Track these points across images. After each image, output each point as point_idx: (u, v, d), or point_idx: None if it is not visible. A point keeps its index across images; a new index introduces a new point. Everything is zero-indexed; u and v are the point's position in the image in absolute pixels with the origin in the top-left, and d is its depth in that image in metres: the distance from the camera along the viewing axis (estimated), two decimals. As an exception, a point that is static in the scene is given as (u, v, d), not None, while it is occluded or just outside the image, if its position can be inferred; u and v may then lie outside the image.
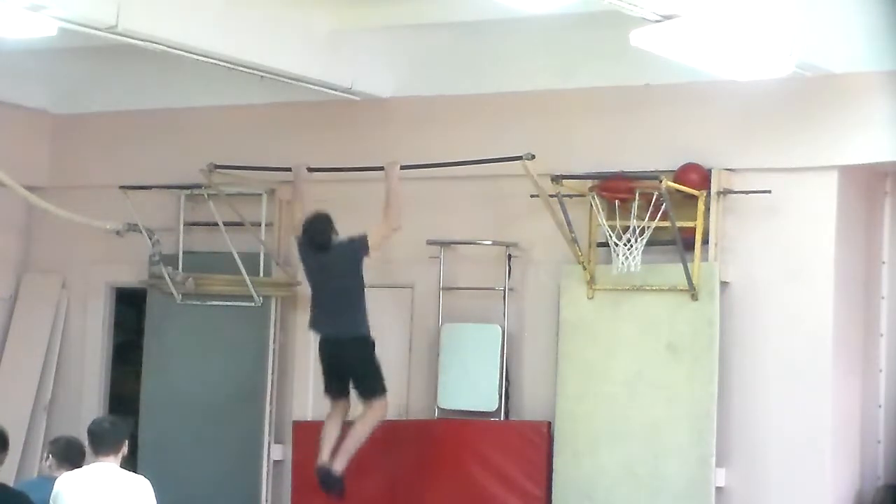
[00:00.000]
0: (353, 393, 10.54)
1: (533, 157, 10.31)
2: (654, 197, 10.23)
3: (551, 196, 10.54)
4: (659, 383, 10.52)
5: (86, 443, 8.59)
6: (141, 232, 12.15)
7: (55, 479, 8.46)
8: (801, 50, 9.52)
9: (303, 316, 11.86)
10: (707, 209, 10.46)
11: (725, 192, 10.53)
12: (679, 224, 10.30)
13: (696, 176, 10.47)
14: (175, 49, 9.96)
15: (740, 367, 10.48)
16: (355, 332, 10.43)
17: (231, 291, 12.05)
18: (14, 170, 11.58)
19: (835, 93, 10.18)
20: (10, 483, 9.45)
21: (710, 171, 10.51)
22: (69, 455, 8.74)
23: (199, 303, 12.19)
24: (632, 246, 10.32)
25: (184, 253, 12.31)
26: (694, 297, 10.42)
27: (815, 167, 10.34)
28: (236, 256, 11.86)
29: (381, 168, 10.77)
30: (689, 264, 10.35)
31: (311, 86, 11.11)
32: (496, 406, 11.14)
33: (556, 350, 10.93)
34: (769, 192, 10.37)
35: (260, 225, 12.00)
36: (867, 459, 10.67)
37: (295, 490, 11.63)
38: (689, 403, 10.40)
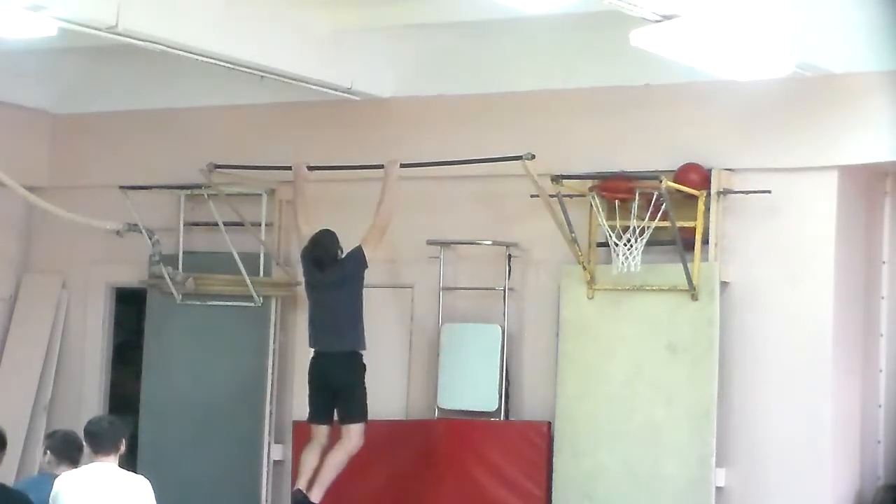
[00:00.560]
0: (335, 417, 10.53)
1: (533, 157, 10.31)
2: (654, 197, 10.23)
3: (551, 196, 10.54)
4: (659, 383, 10.52)
5: (83, 438, 8.59)
6: (141, 232, 12.15)
7: (55, 476, 8.46)
8: (801, 50, 9.52)
9: (303, 316, 11.85)
10: (707, 209, 10.45)
11: (725, 192, 10.53)
12: (679, 224, 10.30)
13: (696, 176, 10.48)
14: (175, 49, 9.96)
15: (740, 367, 10.48)
16: (350, 347, 10.45)
17: (231, 291, 12.05)
18: (14, 170, 11.60)
19: (835, 93, 10.17)
20: (10, 482, 9.44)
21: (710, 171, 10.51)
22: (67, 449, 8.73)
23: (199, 303, 12.19)
24: (632, 246, 10.32)
25: (184, 253, 12.30)
26: (694, 297, 10.42)
27: (815, 167, 10.34)
28: (236, 256, 11.86)
29: (381, 167, 10.77)
30: (689, 264, 10.35)
31: (310, 86, 11.11)
32: (496, 406, 11.14)
33: (556, 350, 10.93)
34: (769, 192, 10.37)
35: (260, 225, 11.99)
36: (867, 459, 10.67)
37: (295, 490, 11.63)
38: (689, 403, 10.40)
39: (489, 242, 11.28)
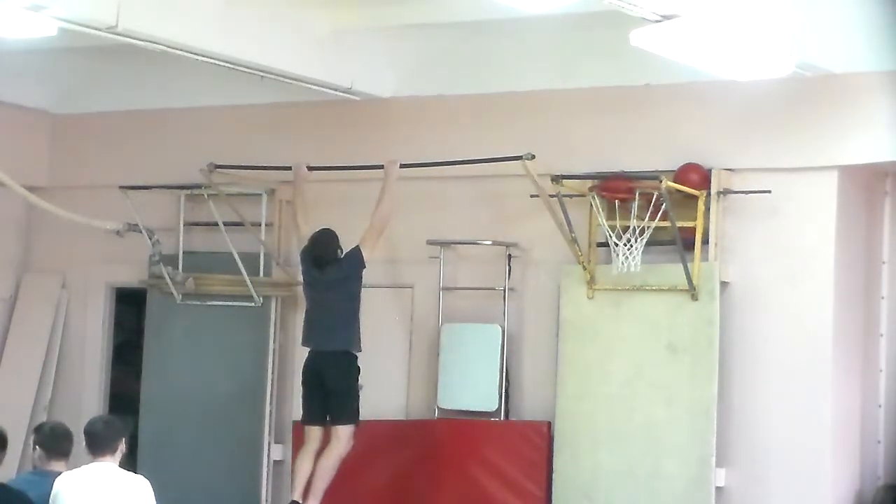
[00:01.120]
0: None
1: (533, 157, 10.31)
2: (654, 197, 10.23)
3: (551, 196, 10.54)
4: (659, 383, 10.52)
5: (75, 436, 8.58)
6: (141, 232, 12.16)
7: (49, 472, 8.45)
8: (801, 50, 9.52)
9: (303, 316, 11.87)
10: (707, 209, 10.45)
11: (725, 192, 10.53)
12: (679, 224, 10.30)
13: (696, 176, 10.47)
14: (175, 49, 9.96)
15: (740, 367, 10.48)
16: (343, 347, 10.44)
17: (231, 291, 12.05)
18: (14, 170, 11.59)
19: (835, 93, 10.17)
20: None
21: (710, 171, 10.51)
22: (56, 442, 8.68)
23: (199, 303, 12.20)
24: (632, 246, 10.32)
25: (184, 253, 12.31)
26: (694, 297, 10.42)
27: (815, 167, 10.34)
28: (236, 256, 11.86)
29: (382, 167, 10.77)
30: (689, 264, 10.34)
31: (311, 86, 11.11)
32: (496, 406, 11.14)
33: (556, 350, 10.93)
34: (769, 192, 10.37)
35: (260, 225, 12.00)
36: (867, 459, 10.67)
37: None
38: (689, 403, 10.40)
39: (489, 242, 11.28)
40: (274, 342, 11.98)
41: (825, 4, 9.43)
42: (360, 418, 10.61)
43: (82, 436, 8.43)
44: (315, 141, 11.91)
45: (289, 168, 11.26)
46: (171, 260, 12.23)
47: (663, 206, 10.15)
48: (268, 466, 11.93)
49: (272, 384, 11.95)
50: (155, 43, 9.78)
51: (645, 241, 10.30)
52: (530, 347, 11.22)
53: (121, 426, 8.54)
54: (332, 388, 10.43)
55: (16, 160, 12.27)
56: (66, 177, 13.08)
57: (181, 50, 10.00)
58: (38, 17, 8.95)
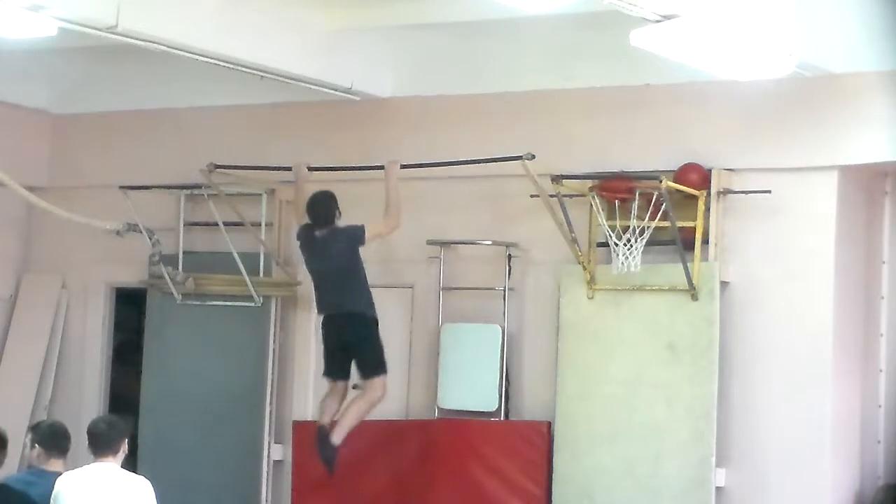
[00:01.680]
0: (353, 372, 10.54)
1: (533, 157, 10.31)
2: (654, 197, 10.23)
3: (551, 196, 10.54)
4: (659, 383, 10.52)
5: (76, 435, 8.57)
6: (141, 232, 12.17)
7: (47, 471, 8.45)
8: (801, 50, 9.51)
9: (303, 316, 11.89)
10: (707, 209, 10.46)
11: (725, 192, 10.53)
12: (679, 224, 10.30)
13: (696, 176, 10.48)
14: (175, 49, 9.96)
15: (740, 367, 10.48)
16: (357, 309, 10.42)
17: (231, 291, 12.05)
18: (14, 170, 11.59)
19: (835, 93, 10.18)
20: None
21: (710, 171, 10.51)
22: (54, 440, 8.68)
23: (199, 303, 12.20)
24: (632, 246, 10.32)
25: (184, 253, 12.31)
26: (694, 297, 10.42)
27: (815, 167, 10.35)
28: (236, 256, 11.86)
29: (382, 167, 10.77)
30: (689, 264, 10.35)
31: (310, 86, 11.12)
32: (496, 406, 11.14)
33: (556, 350, 10.93)
34: (769, 192, 10.37)
35: (260, 225, 12.00)
36: (867, 459, 10.67)
37: (295, 490, 11.62)
38: (689, 403, 10.40)
39: (489, 242, 11.28)
40: (274, 342, 11.98)
41: (825, 4, 9.43)
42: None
43: (84, 435, 8.43)
44: (315, 141, 11.91)
45: (289, 168, 11.26)
46: (171, 260, 12.23)
47: (663, 206, 10.15)
48: (268, 466, 11.93)
49: (272, 384, 11.95)
50: (155, 43, 9.78)
51: (645, 241, 10.30)
52: (530, 347, 11.22)
53: (124, 427, 8.54)
54: (355, 348, 10.44)
55: (16, 160, 12.27)
56: (66, 177, 13.07)
57: (181, 50, 10.00)
58: (38, 17, 8.95)
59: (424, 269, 11.49)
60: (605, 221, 10.44)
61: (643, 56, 9.39)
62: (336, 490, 11.04)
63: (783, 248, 10.44)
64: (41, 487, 8.33)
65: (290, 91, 11.25)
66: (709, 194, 10.47)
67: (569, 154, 10.89)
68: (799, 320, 10.35)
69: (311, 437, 10.51)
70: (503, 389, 11.14)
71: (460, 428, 11.20)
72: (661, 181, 10.10)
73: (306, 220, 10.59)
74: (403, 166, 10.75)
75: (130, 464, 9.11)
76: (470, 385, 11.24)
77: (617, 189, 10.45)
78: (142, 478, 8.43)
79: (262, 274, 12.04)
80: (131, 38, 9.60)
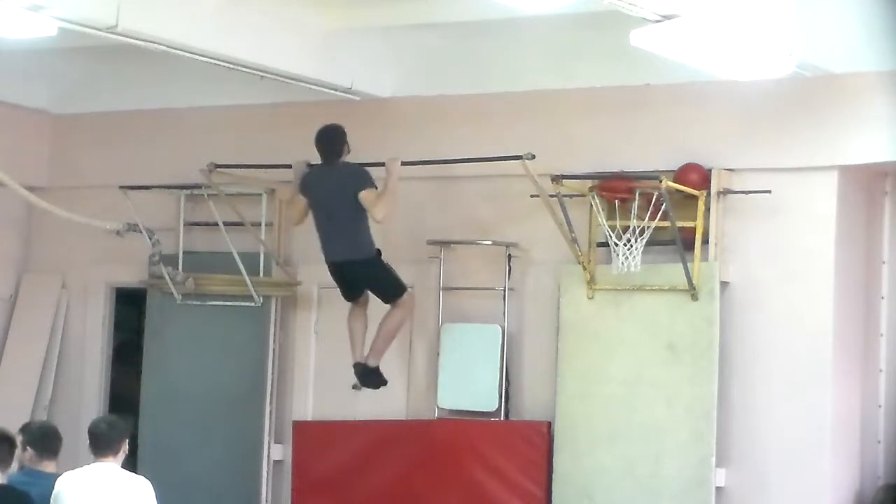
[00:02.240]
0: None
1: (533, 157, 10.31)
2: (654, 197, 10.23)
3: (551, 196, 10.54)
4: (659, 383, 10.52)
5: (76, 435, 8.57)
6: (141, 232, 12.16)
7: (41, 472, 8.45)
8: (801, 50, 9.52)
9: (303, 316, 11.90)
10: (707, 209, 10.45)
11: (725, 192, 10.53)
12: (679, 224, 10.30)
13: (696, 176, 10.48)
14: (175, 49, 9.96)
15: (740, 367, 10.48)
16: (360, 254, 10.58)
17: (231, 291, 12.05)
18: (14, 170, 11.59)
19: (835, 93, 10.17)
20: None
21: (710, 171, 10.51)
22: (46, 442, 8.68)
23: (199, 303, 12.20)
24: (632, 246, 10.31)
25: (184, 253, 12.31)
26: (694, 297, 10.42)
27: (815, 167, 10.35)
28: (236, 256, 11.86)
29: (383, 164, 10.77)
30: (689, 264, 10.34)
31: (310, 86, 11.12)
32: (496, 406, 11.14)
33: (556, 350, 10.93)
34: (769, 192, 10.37)
35: (260, 225, 12.00)
36: (867, 459, 10.67)
37: (295, 490, 11.62)
38: (689, 403, 10.40)
39: (489, 242, 11.28)
40: (274, 342, 11.98)
41: (825, 4, 9.43)
42: (361, 418, 10.62)
43: (84, 435, 8.43)
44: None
45: (289, 166, 11.26)
46: (171, 260, 12.23)
47: (663, 206, 10.15)
48: (268, 466, 11.92)
49: (272, 384, 11.94)
50: (155, 43, 9.78)
51: (645, 241, 10.30)
52: (530, 347, 11.22)
53: (124, 427, 8.55)
54: (366, 285, 10.68)
55: (16, 160, 12.27)
56: (66, 177, 13.07)
57: (181, 50, 10.00)
58: (38, 17, 8.95)
59: (424, 269, 11.48)
60: (605, 221, 10.44)
61: (643, 56, 9.39)
62: (336, 490, 11.03)
63: (783, 248, 10.44)
64: (39, 488, 8.33)
65: (290, 91, 11.25)
66: (709, 194, 10.47)
67: (569, 154, 10.89)
68: (799, 320, 10.35)
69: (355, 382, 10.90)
70: (503, 389, 11.14)
71: (460, 428, 11.20)
72: (661, 181, 10.09)
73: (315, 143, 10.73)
74: (404, 163, 10.74)
75: (130, 464, 9.11)
76: (470, 385, 11.24)
77: (617, 189, 10.45)
78: (142, 478, 8.44)
79: (262, 274, 12.04)
80: (131, 38, 9.60)
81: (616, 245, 10.37)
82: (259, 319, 12.01)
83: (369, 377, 10.72)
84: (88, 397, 12.94)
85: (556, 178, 10.46)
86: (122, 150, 12.86)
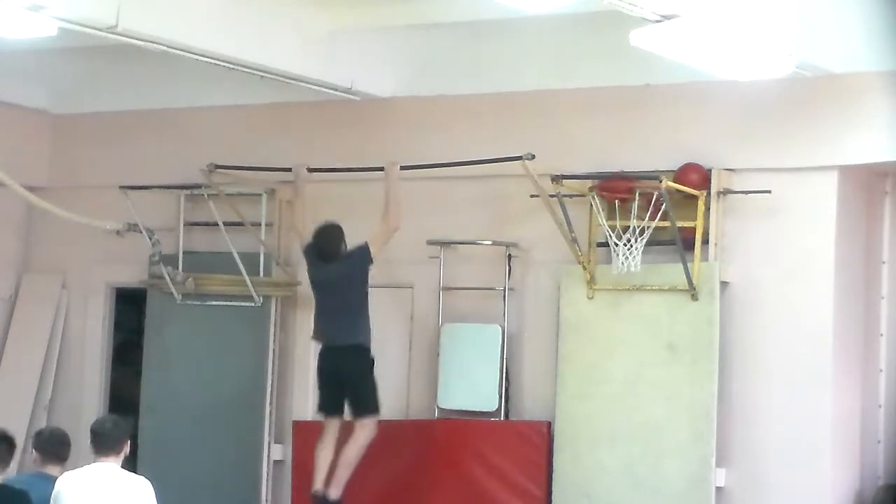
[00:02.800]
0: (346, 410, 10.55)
1: (533, 157, 10.31)
2: (654, 197, 10.23)
3: (551, 196, 10.54)
4: (659, 383, 10.52)
5: (76, 435, 8.57)
6: (141, 232, 12.16)
7: (47, 474, 8.45)
8: (801, 50, 9.52)
9: (303, 316, 11.88)
10: (707, 209, 10.46)
11: (725, 192, 10.53)
12: (679, 224, 10.30)
13: (696, 176, 10.48)
14: (175, 49, 9.96)
15: (740, 367, 10.48)
16: (356, 341, 10.46)
17: (231, 291, 12.05)
18: (14, 170, 11.59)
19: (835, 93, 10.18)
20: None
21: (710, 171, 10.51)
22: (52, 447, 8.69)
23: (199, 303, 12.20)
24: (632, 246, 10.32)
25: (184, 253, 12.31)
26: (694, 297, 10.42)
27: (815, 167, 10.35)
28: (236, 256, 11.86)
29: (382, 168, 10.78)
30: (689, 264, 10.34)
31: (310, 86, 11.12)
32: (496, 406, 11.14)
33: (556, 350, 10.93)
34: (769, 192, 10.37)
35: (260, 225, 12.00)
36: (867, 459, 10.67)
37: (295, 490, 11.62)
38: (689, 403, 10.40)
39: (489, 242, 11.28)
40: (274, 342, 11.98)
41: (825, 4, 9.43)
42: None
43: (84, 435, 8.43)
44: (315, 141, 11.91)
45: (289, 168, 11.26)
46: (171, 260, 12.23)
47: (663, 206, 10.15)
48: (268, 466, 11.93)
49: (272, 384, 11.95)
50: (155, 43, 9.78)
51: (645, 241, 10.30)
52: (530, 347, 11.22)
53: (127, 427, 8.55)
54: (349, 382, 10.47)
55: (16, 160, 12.27)
56: (66, 177, 13.07)
57: (181, 50, 10.01)
58: (38, 17, 8.95)
59: (424, 269, 11.48)
60: (605, 221, 10.44)
61: (643, 56, 9.39)
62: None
63: (783, 248, 10.44)
64: (39, 491, 8.32)
65: (290, 91, 11.25)
66: (709, 194, 10.47)
67: (569, 154, 10.89)
68: (799, 320, 10.35)
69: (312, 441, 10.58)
70: (503, 389, 11.14)
71: (460, 428, 11.20)
72: (661, 181, 10.10)
73: (312, 243, 10.64)
74: (403, 167, 10.75)
75: (130, 464, 9.11)
76: (470, 385, 11.24)
77: (617, 189, 10.46)
78: (142, 478, 8.43)
79: (262, 274, 12.04)
80: (131, 38, 9.60)
81: (616, 245, 10.38)
82: (259, 319, 12.01)
83: None
84: (88, 397, 12.94)
85: (556, 178, 10.46)
86: (122, 150, 12.86)
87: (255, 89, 11.31)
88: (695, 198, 10.41)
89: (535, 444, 10.91)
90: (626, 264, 10.34)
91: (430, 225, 11.43)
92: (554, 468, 10.81)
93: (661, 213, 10.18)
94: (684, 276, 10.35)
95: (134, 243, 12.29)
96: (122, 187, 12.22)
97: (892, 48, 9.57)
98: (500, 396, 11.13)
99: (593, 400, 10.72)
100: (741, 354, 10.48)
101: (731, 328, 10.48)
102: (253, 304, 11.99)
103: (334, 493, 10.42)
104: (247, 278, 11.87)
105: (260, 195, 12.01)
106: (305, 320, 11.86)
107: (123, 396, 13.04)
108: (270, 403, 11.92)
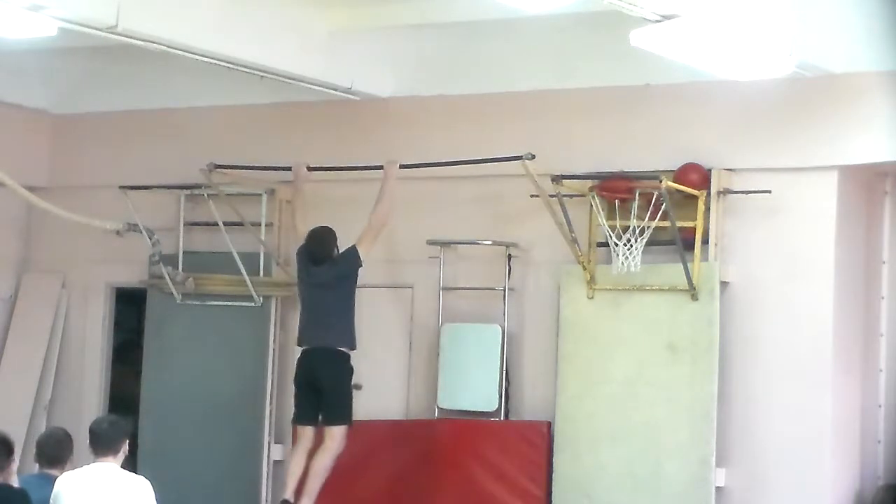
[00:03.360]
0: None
1: (533, 157, 10.31)
2: (654, 197, 10.22)
3: (551, 196, 10.54)
4: (659, 383, 10.52)
5: (76, 435, 8.57)
6: (141, 232, 12.17)
7: (49, 475, 8.45)
8: (801, 50, 9.52)
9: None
10: (707, 209, 10.46)
11: (725, 192, 10.53)
12: (679, 224, 10.30)
13: (696, 176, 10.48)
14: (175, 49, 9.96)
15: (740, 367, 10.48)
16: (337, 345, 10.43)
17: (231, 291, 12.05)
18: (14, 170, 11.60)
19: (835, 93, 10.17)
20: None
21: (710, 171, 10.51)
22: (53, 449, 8.67)
23: (199, 303, 12.20)
24: (632, 246, 10.31)
25: (184, 253, 12.31)
26: (694, 297, 10.42)
27: (815, 167, 10.35)
28: (236, 256, 11.86)
29: (381, 167, 10.78)
30: (689, 264, 10.34)
31: (310, 86, 11.12)
32: (496, 406, 11.14)
33: (556, 350, 10.93)
34: (769, 192, 10.37)
35: (260, 225, 12.00)
36: (867, 459, 10.68)
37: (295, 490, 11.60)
38: (689, 403, 10.40)
39: (489, 242, 11.28)
40: (274, 342, 11.98)
41: (825, 4, 9.43)
42: (359, 418, 10.61)
43: (83, 435, 8.43)
44: (315, 141, 11.91)
45: (289, 168, 11.27)
46: (171, 260, 12.23)
47: (663, 206, 10.15)
48: (268, 466, 11.93)
49: (272, 384, 11.95)
50: (155, 43, 9.78)
51: (645, 241, 10.30)
52: (530, 347, 11.22)
53: (126, 427, 8.54)
54: (325, 388, 10.42)
55: (16, 160, 12.28)
56: (66, 177, 13.08)
57: (181, 50, 10.01)
58: (38, 17, 8.95)
59: (424, 269, 11.48)
60: (605, 221, 10.44)
61: (643, 56, 9.39)
62: (336, 490, 11.01)
63: (783, 248, 10.44)
64: (40, 492, 8.31)
65: (290, 91, 11.25)
66: (709, 194, 10.47)
67: (569, 154, 10.89)
68: (799, 320, 10.35)
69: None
70: (503, 389, 11.14)
71: (460, 428, 11.20)
72: (661, 181, 10.10)
73: (304, 245, 10.63)
74: (403, 166, 10.75)
75: (130, 464, 9.11)
76: (470, 385, 11.24)
77: (617, 189, 10.45)
78: (142, 478, 8.43)
79: (262, 274, 12.04)
80: (131, 38, 9.60)
81: (616, 245, 10.38)
82: (259, 319, 12.02)
83: None
84: (88, 397, 12.95)
85: (556, 178, 10.46)
86: (122, 150, 12.87)
87: (255, 89, 11.30)
88: (695, 198, 10.41)
89: (535, 444, 10.90)
90: (626, 264, 10.34)
91: (430, 225, 11.43)
92: (554, 468, 10.81)
93: (661, 213, 10.18)
94: (684, 276, 10.35)
95: (134, 243, 12.29)
96: (122, 187, 12.22)
97: (892, 48, 9.57)
98: (500, 396, 11.13)
99: (593, 400, 10.72)
100: (741, 354, 10.48)
101: (731, 328, 10.48)
102: (253, 304, 11.99)
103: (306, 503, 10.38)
104: (247, 278, 11.88)
105: (260, 195, 12.01)
106: (305, 320, 11.88)
107: (123, 396, 13.04)
108: (270, 403, 11.93)
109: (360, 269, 10.53)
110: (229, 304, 12.12)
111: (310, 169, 11.16)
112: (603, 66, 10.69)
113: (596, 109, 10.97)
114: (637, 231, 10.29)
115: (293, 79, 10.92)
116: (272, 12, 10.50)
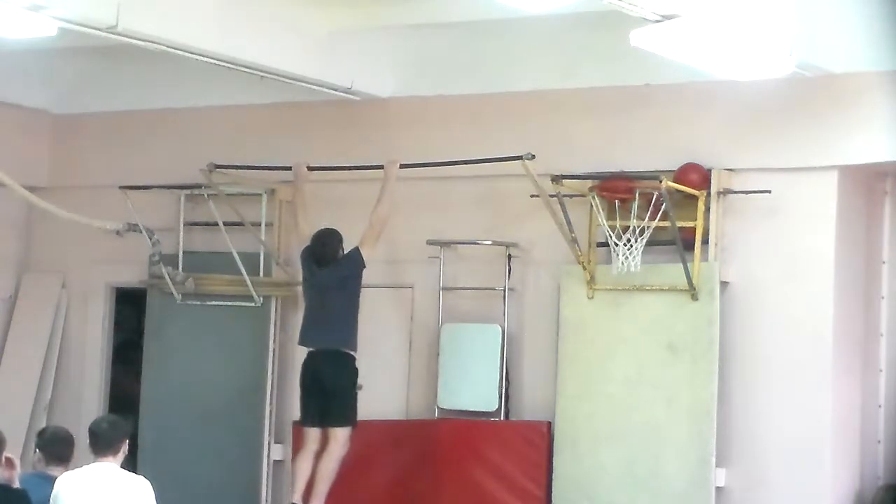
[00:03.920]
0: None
1: (533, 157, 10.31)
2: (654, 197, 10.22)
3: (551, 196, 10.54)
4: (659, 383, 10.52)
5: (76, 435, 8.58)
6: (141, 232, 12.16)
7: (49, 475, 8.45)
8: (801, 50, 9.52)
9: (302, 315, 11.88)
10: (707, 209, 10.46)
11: (725, 192, 10.53)
12: (679, 224, 10.30)
13: (696, 176, 10.48)
14: (175, 49, 9.96)
15: (740, 367, 10.47)
16: (343, 347, 10.46)
17: (231, 291, 12.05)
18: (14, 170, 11.59)
19: (835, 93, 10.17)
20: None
21: (710, 171, 10.51)
22: (55, 447, 8.67)
23: (199, 303, 12.20)
24: (632, 246, 10.31)
25: (184, 253, 12.31)
26: (694, 297, 10.42)
27: (815, 167, 10.35)
28: (236, 256, 11.86)
29: (381, 167, 10.78)
30: (689, 264, 10.34)
31: (310, 86, 11.12)
32: (496, 406, 11.14)
33: (556, 350, 10.93)
34: (769, 192, 10.37)
35: (260, 225, 11.99)
36: (867, 459, 10.67)
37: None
38: (689, 403, 10.40)
39: (489, 242, 11.28)
40: (274, 342, 11.98)
41: (825, 4, 9.43)
42: (360, 418, 10.61)
43: (84, 435, 8.43)
44: (315, 141, 11.91)
45: (289, 168, 11.27)
46: (171, 260, 12.23)
47: (663, 206, 10.15)
48: (268, 466, 11.92)
49: (272, 384, 11.94)
50: (155, 43, 9.78)
51: (645, 241, 10.30)
52: (530, 347, 11.22)
53: (125, 427, 8.54)
54: (329, 390, 10.43)
55: (16, 160, 12.27)
56: (66, 177, 13.08)
57: (181, 50, 10.01)
58: (38, 17, 8.95)
59: (424, 269, 11.48)
60: (605, 221, 10.44)
61: (643, 56, 9.38)
62: (336, 490, 11.01)
63: (783, 248, 10.44)
64: (41, 492, 8.31)
65: (290, 91, 11.25)
66: (709, 194, 10.47)
67: (569, 154, 10.89)
68: (799, 320, 10.35)
69: None
70: (503, 389, 11.14)
71: (460, 428, 11.20)
72: (661, 181, 10.09)
73: (309, 246, 10.64)
74: (403, 166, 10.76)
75: (130, 464, 9.11)
76: (470, 385, 11.24)
77: (617, 189, 10.45)
78: (142, 478, 8.42)
79: (262, 274, 12.04)
80: (131, 38, 9.60)
81: (616, 245, 10.38)
82: (259, 319, 12.01)
83: None
84: (88, 397, 12.94)
85: (556, 178, 10.46)
86: (122, 150, 12.87)
87: (255, 89, 11.30)
88: (695, 198, 10.41)
89: (535, 444, 10.90)
90: (626, 264, 10.34)
91: (430, 225, 11.42)
92: (554, 468, 10.81)
93: (661, 213, 10.18)
94: (684, 276, 10.35)
95: (134, 243, 12.29)
96: (122, 187, 12.21)
97: (892, 48, 9.58)
98: (500, 396, 11.13)
99: (593, 400, 10.72)
100: (741, 354, 10.47)
101: (731, 328, 10.48)
102: (253, 304, 11.99)
103: None
104: (247, 278, 11.87)
105: (260, 195, 12.01)
106: (305, 320, 11.89)
107: (123, 396, 13.04)
108: (270, 403, 11.92)
109: (364, 270, 10.55)
110: (229, 304, 12.11)
111: (310, 169, 11.17)
112: (603, 66, 10.69)
113: (596, 109, 10.97)
114: (637, 231, 10.29)
115: (293, 79, 10.92)
116: (272, 12, 10.50)
